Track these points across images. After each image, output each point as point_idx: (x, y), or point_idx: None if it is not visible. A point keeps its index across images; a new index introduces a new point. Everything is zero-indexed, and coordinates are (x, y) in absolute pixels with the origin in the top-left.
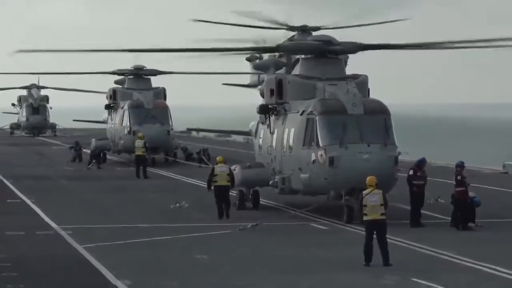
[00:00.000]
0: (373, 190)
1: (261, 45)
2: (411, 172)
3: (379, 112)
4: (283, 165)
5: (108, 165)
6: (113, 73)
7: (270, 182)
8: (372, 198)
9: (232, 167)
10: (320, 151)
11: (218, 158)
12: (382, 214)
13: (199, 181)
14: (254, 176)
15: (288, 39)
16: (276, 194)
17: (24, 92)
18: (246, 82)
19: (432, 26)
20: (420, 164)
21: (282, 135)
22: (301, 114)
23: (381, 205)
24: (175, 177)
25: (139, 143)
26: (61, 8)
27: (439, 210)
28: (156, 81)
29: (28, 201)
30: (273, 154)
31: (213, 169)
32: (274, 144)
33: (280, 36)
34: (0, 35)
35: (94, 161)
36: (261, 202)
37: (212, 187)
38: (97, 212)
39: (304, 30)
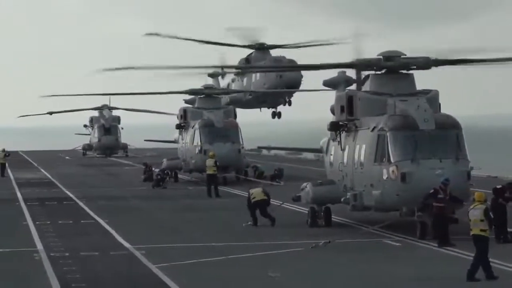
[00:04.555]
0: (476, 205)
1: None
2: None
3: (451, 127)
4: (354, 182)
5: (180, 184)
6: (185, 92)
7: (342, 199)
8: (474, 212)
9: (304, 185)
10: (392, 167)
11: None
12: (482, 230)
13: (271, 200)
14: (325, 193)
15: (246, 56)
16: (348, 211)
17: (95, 113)
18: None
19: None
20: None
21: (353, 151)
22: (372, 131)
23: (481, 220)
24: (246, 195)
25: (210, 162)
26: (127, 25)
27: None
28: None
29: (101, 222)
30: (344, 171)
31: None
32: (345, 160)
33: (239, 53)
34: (68, 55)
35: (161, 182)
36: (333, 219)
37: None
38: (170, 232)
39: (262, 48)
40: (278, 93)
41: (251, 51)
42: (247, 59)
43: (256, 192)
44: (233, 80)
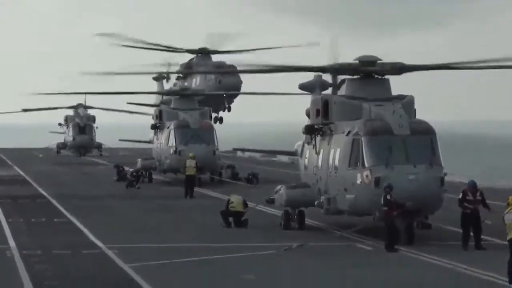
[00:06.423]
0: (511, 209)
1: (169, 68)
2: (461, 196)
3: (425, 132)
4: (328, 186)
5: (154, 185)
6: (159, 93)
7: (316, 203)
8: (509, 216)
9: (278, 187)
10: (366, 172)
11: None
12: None
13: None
14: (299, 197)
15: (187, 62)
16: (321, 215)
17: (71, 112)
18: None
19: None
20: (471, 186)
21: (327, 155)
22: (347, 135)
23: None
24: (221, 196)
25: (191, 162)
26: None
27: (487, 231)
28: None
29: (74, 220)
30: (318, 175)
31: (228, 200)
32: (319, 164)
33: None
34: (44, 54)
35: (134, 182)
36: (306, 222)
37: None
38: (143, 231)
39: (203, 52)
40: (218, 98)
41: (192, 56)
42: (189, 64)
43: (237, 202)
44: (174, 85)
